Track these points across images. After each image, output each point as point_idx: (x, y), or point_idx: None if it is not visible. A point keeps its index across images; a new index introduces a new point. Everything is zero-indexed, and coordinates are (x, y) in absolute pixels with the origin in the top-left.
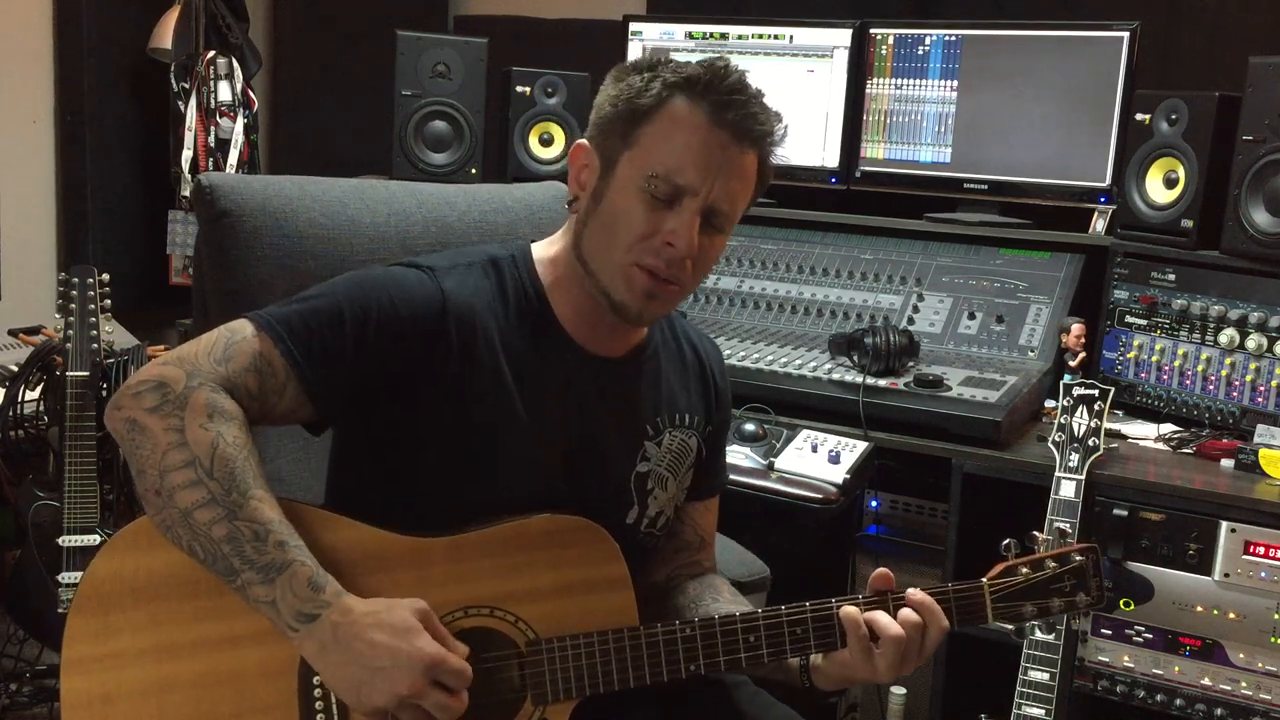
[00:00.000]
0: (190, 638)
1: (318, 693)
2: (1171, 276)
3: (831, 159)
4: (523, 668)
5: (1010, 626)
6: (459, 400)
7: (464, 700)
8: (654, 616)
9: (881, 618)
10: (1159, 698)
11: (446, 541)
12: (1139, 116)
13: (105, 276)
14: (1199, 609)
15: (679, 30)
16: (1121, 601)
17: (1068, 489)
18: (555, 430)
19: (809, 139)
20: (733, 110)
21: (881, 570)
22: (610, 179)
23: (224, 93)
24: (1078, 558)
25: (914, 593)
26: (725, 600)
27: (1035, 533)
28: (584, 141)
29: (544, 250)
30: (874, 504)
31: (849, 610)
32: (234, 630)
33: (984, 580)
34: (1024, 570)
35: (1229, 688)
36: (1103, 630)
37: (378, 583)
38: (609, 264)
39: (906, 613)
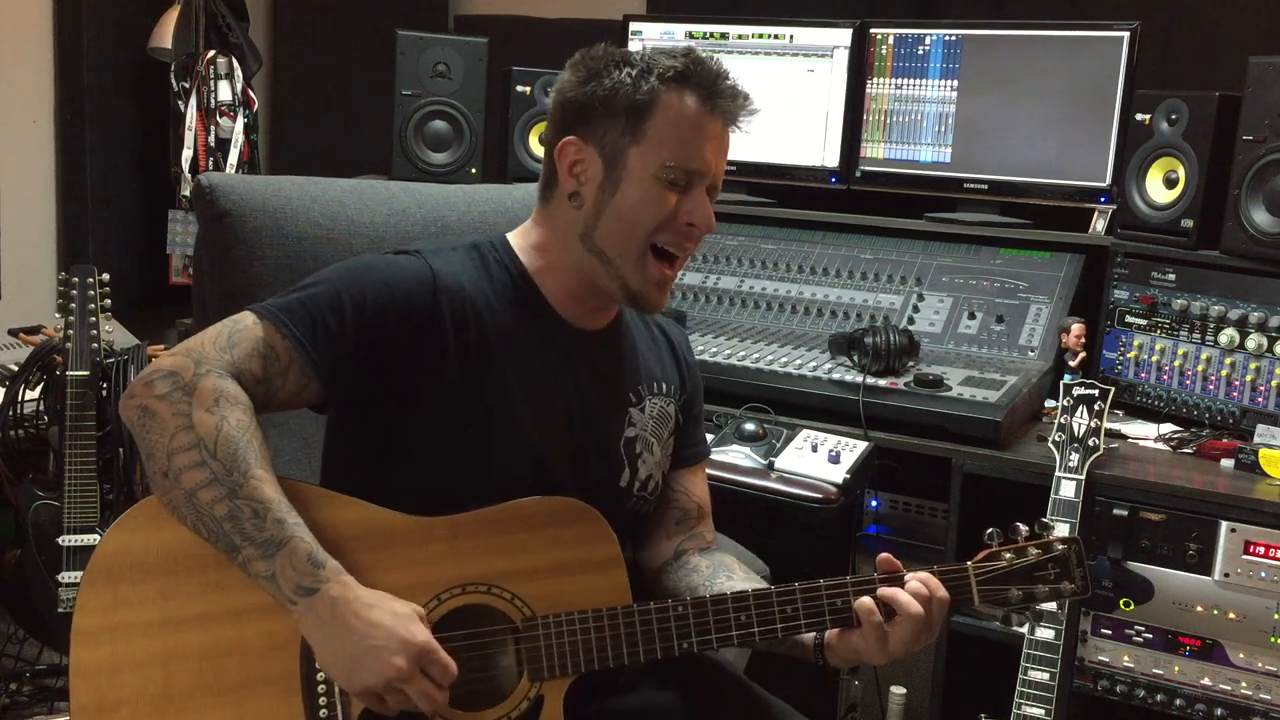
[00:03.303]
0: (196, 610)
1: (320, 663)
2: (1171, 276)
3: (831, 159)
4: (519, 644)
5: (998, 613)
6: (455, 375)
7: (446, 696)
8: (669, 595)
9: (901, 595)
10: (1159, 698)
11: (446, 520)
12: (1139, 116)
13: (105, 276)
14: (1199, 609)
15: (679, 30)
16: (1121, 601)
17: (1068, 489)
18: (551, 401)
19: (809, 139)
20: (723, 97)
21: (885, 555)
22: (620, 173)
23: (224, 92)
24: (1060, 546)
25: (911, 574)
26: (739, 578)
27: (1018, 524)
28: (573, 138)
29: (522, 238)
30: (874, 504)
31: (864, 601)
32: (239, 604)
33: (968, 563)
34: (1007, 556)
35: (1229, 688)
36: (1103, 630)
37: (378, 559)
38: (629, 253)
39: (914, 585)
